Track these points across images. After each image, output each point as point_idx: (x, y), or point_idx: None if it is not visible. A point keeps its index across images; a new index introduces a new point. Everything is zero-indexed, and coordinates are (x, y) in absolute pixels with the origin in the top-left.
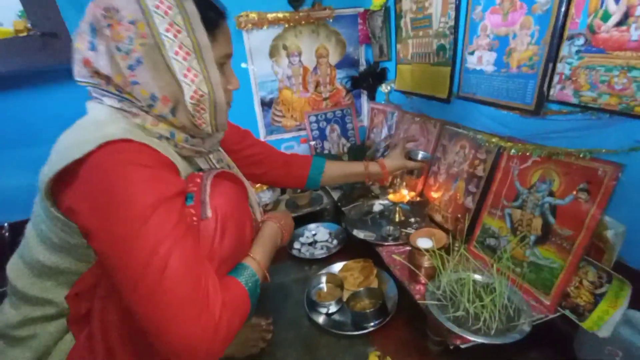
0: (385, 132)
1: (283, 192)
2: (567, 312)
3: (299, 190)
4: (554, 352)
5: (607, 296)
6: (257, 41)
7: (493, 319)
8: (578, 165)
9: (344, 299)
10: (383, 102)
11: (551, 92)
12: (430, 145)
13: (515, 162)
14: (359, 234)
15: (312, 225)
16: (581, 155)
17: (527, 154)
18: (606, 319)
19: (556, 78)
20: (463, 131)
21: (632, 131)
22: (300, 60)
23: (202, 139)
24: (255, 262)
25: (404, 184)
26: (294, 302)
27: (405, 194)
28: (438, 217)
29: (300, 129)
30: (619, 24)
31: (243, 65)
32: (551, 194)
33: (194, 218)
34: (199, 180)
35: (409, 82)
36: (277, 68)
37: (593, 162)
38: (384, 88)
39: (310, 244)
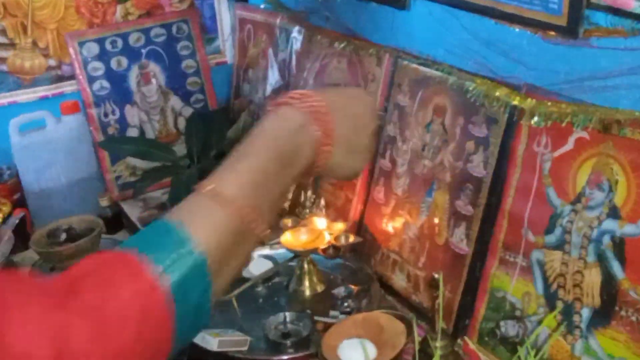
0: (273, 75)
1: (20, 244)
2: None
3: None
4: None
5: None
6: None
7: None
8: None
9: None
10: (264, 6)
11: None
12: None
13: (544, 143)
14: (209, 339)
15: None
16: None
17: (564, 123)
18: None
19: None
20: (437, 73)
21: None
22: None
23: None
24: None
25: (321, 202)
26: None
27: (322, 229)
28: (398, 280)
29: (59, 78)
30: None
31: None
32: (614, 212)
33: None
34: None
35: None
36: None
37: None
38: None
39: None
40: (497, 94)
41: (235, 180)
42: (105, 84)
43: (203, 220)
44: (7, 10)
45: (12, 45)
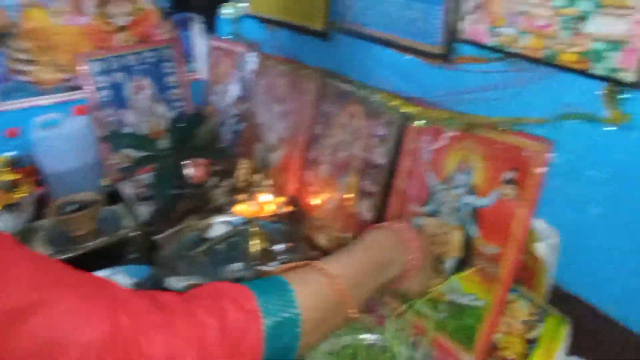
0: (236, 89)
1: (39, 214)
2: None
3: (70, 208)
4: None
5: (541, 342)
6: None
7: None
8: (502, 145)
9: None
10: (229, 37)
11: (462, 27)
12: (305, 115)
13: (426, 140)
14: (178, 283)
15: (103, 273)
16: (501, 128)
17: (440, 125)
18: None
19: (466, 4)
20: (353, 89)
21: (560, 90)
22: None
23: None
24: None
25: (266, 181)
26: None
27: (267, 201)
28: (323, 240)
29: (72, 88)
30: None
31: None
32: (472, 189)
33: None
34: None
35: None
36: None
37: (519, 138)
38: (229, 11)
39: None
40: (394, 103)
41: (340, 266)
42: (108, 93)
43: (307, 286)
44: (33, 37)
45: (35, 62)
